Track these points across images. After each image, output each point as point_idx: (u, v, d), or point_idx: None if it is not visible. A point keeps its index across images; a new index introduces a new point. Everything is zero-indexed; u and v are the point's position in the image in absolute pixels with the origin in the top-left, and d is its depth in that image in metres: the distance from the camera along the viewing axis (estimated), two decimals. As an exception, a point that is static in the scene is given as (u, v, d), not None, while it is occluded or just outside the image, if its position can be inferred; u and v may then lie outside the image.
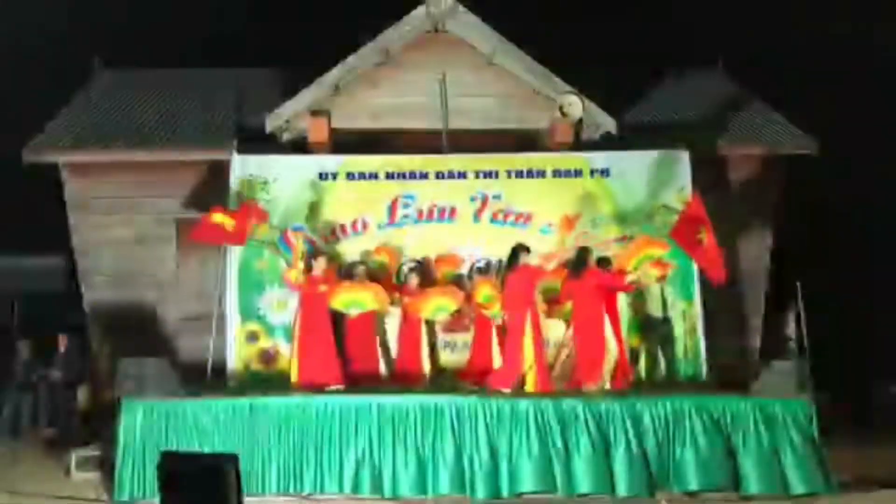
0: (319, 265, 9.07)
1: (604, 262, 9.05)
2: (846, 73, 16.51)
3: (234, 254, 9.64)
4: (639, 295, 9.58)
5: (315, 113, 10.36)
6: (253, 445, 7.34)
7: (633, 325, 9.57)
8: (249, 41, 18.28)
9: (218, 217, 9.32)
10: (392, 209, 9.90)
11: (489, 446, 7.32)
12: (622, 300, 9.31)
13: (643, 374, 9.47)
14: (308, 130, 10.39)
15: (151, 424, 7.41)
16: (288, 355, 9.30)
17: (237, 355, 9.42)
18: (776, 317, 11.43)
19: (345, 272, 9.50)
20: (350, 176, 9.90)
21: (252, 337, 9.50)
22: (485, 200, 9.94)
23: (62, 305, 12.60)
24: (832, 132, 11.80)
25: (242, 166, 9.86)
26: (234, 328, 9.50)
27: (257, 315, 9.54)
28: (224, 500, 4.65)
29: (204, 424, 7.43)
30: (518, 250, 8.83)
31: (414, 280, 9.43)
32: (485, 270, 9.74)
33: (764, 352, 10.88)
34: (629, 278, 8.88)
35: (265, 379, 9.27)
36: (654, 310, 9.52)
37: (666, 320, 9.47)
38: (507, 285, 8.78)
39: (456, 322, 9.50)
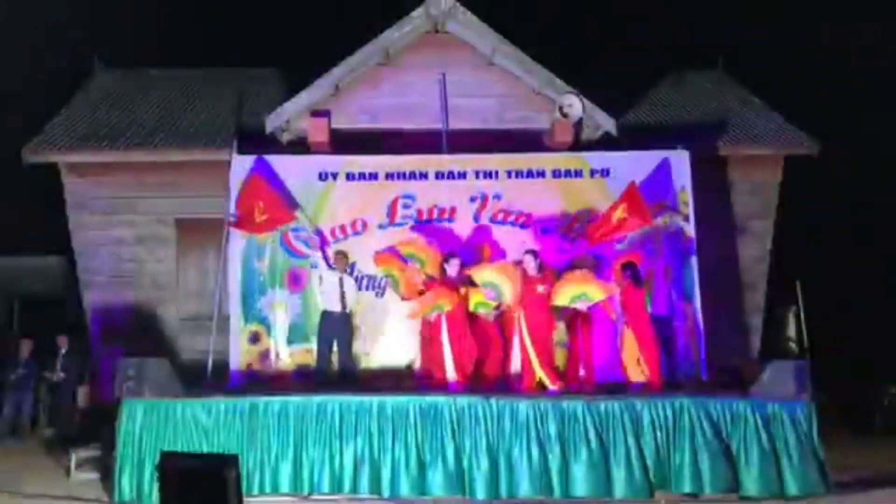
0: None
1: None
2: (846, 74, 16.53)
3: (235, 255, 9.63)
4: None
5: (315, 113, 10.37)
6: (253, 445, 7.33)
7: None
8: (250, 41, 18.33)
9: None
10: (392, 209, 9.89)
11: (488, 447, 7.30)
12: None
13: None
14: (308, 130, 10.39)
15: (151, 424, 7.39)
16: (291, 356, 9.37)
17: (239, 356, 9.41)
18: (776, 317, 11.44)
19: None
20: (350, 176, 9.86)
21: (253, 337, 9.49)
22: (485, 200, 9.92)
23: (62, 305, 12.62)
24: (832, 132, 11.81)
25: (242, 166, 9.84)
26: (236, 329, 9.49)
27: (258, 316, 9.54)
28: (224, 501, 4.66)
29: (204, 424, 7.41)
30: (634, 268, 9.07)
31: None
32: None
33: (764, 352, 10.88)
34: None
35: (266, 379, 9.26)
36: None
37: (668, 320, 9.41)
38: (627, 298, 8.92)
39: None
